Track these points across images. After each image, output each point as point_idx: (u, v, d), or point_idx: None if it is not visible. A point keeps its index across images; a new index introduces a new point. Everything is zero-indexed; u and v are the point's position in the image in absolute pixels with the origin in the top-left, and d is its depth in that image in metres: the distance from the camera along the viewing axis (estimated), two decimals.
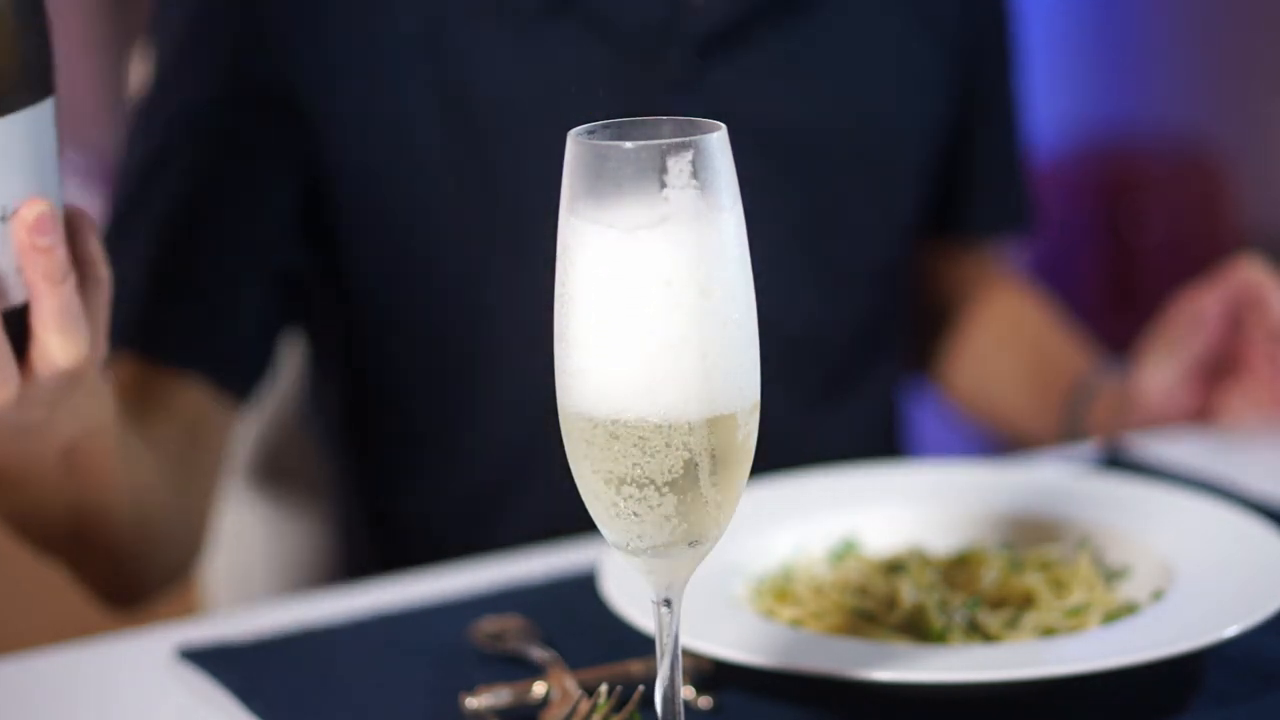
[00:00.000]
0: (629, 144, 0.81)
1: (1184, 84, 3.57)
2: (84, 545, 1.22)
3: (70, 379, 1.01)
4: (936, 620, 1.05)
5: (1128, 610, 1.07)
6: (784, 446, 1.43)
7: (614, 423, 0.82)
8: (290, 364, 1.54)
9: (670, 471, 0.82)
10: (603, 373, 0.82)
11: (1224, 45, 3.51)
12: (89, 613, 1.38)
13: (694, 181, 0.81)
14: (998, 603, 1.08)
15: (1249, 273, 1.40)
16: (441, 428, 1.45)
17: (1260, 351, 1.40)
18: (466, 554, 1.38)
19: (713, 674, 1.02)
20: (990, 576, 1.10)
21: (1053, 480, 1.24)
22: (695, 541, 0.85)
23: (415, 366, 1.43)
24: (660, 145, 0.81)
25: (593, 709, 0.96)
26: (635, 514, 0.83)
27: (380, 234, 1.39)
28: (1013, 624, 1.05)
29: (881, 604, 1.07)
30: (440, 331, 1.42)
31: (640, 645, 1.03)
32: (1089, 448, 1.40)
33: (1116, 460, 1.35)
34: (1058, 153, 3.46)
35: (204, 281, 1.37)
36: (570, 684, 1.00)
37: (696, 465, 0.82)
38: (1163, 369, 1.42)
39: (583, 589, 1.13)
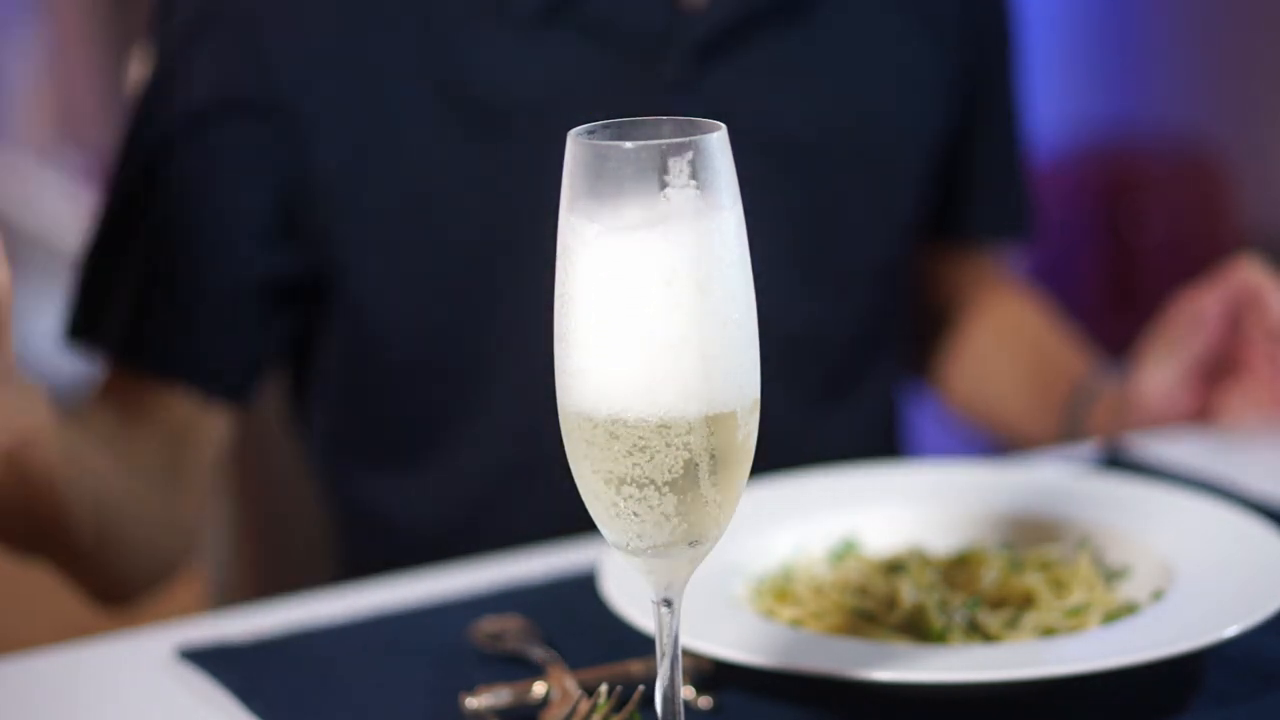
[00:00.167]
0: (629, 144, 0.81)
1: (1184, 84, 3.57)
2: (51, 549, 1.23)
3: None
4: (936, 620, 1.05)
5: (1128, 610, 1.07)
6: (784, 446, 1.43)
7: (614, 422, 0.82)
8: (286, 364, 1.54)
9: (670, 471, 0.82)
10: (603, 372, 0.82)
11: (1224, 45, 3.51)
12: (89, 613, 1.38)
13: (694, 181, 0.81)
14: (998, 603, 1.08)
15: (1248, 273, 1.40)
16: (441, 429, 1.45)
17: (1259, 351, 1.40)
18: (467, 554, 1.38)
19: (713, 674, 1.02)
20: (990, 576, 1.10)
21: (1053, 480, 1.24)
22: (695, 541, 0.85)
23: (415, 367, 1.43)
24: (660, 145, 0.81)
25: (593, 709, 0.96)
26: (635, 514, 0.84)
27: (378, 238, 1.39)
28: (1013, 624, 1.05)
29: (881, 604, 1.07)
30: (440, 332, 1.42)
31: (640, 645, 1.03)
32: (1089, 448, 1.40)
33: (1116, 460, 1.35)
34: (1058, 153, 3.46)
35: (188, 290, 1.37)
36: (570, 684, 1.00)
37: (696, 465, 0.82)
38: (1162, 370, 1.42)
39: (583, 589, 1.13)
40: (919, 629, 1.05)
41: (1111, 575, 1.11)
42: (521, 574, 1.20)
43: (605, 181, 0.81)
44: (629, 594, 1.05)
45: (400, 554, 1.45)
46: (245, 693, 1.04)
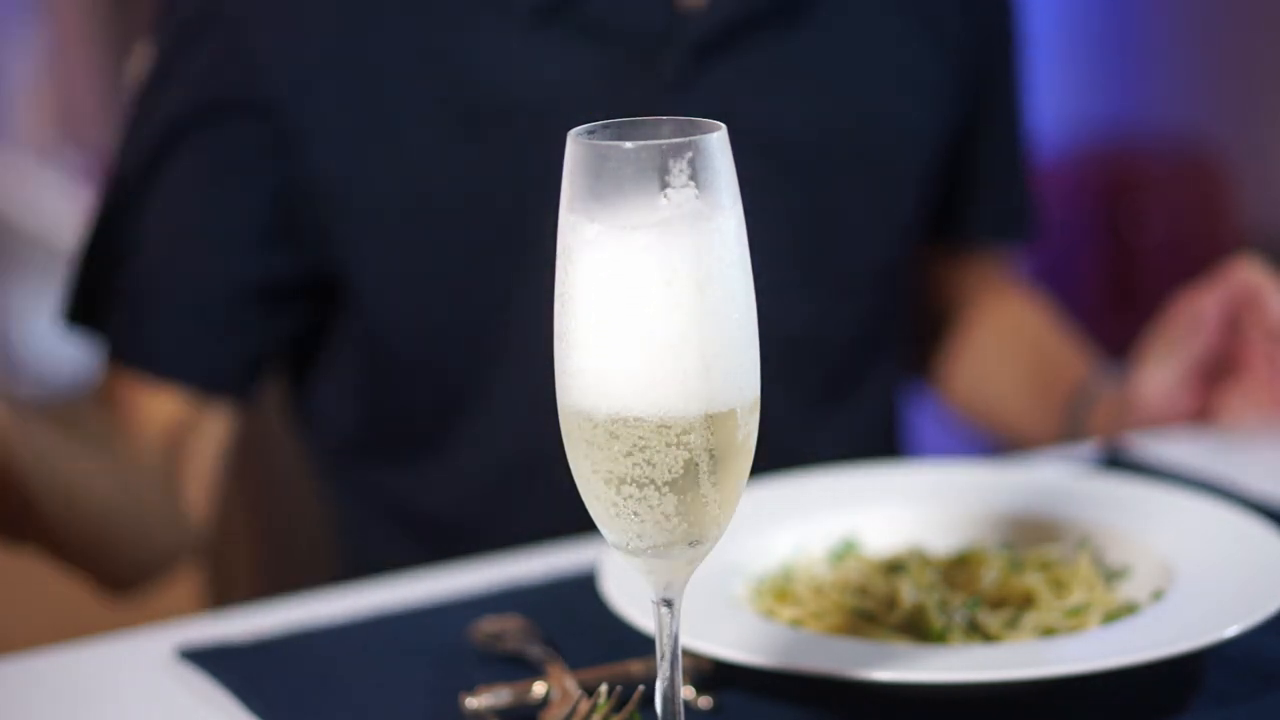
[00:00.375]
0: (629, 144, 0.81)
1: (1184, 84, 3.57)
2: (32, 538, 1.24)
3: None
4: (936, 620, 1.05)
5: (1128, 610, 1.07)
6: (784, 447, 1.43)
7: (614, 422, 0.82)
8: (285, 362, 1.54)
9: (670, 471, 0.82)
10: (603, 372, 0.82)
11: (1224, 45, 3.51)
12: (89, 613, 1.38)
13: (694, 181, 0.81)
14: (998, 603, 1.08)
15: (1247, 273, 1.40)
16: (443, 426, 1.45)
17: (1259, 351, 1.40)
18: (469, 550, 1.38)
19: (713, 674, 1.02)
20: (990, 576, 1.10)
21: (1053, 480, 1.24)
22: (695, 541, 0.85)
23: (418, 364, 1.43)
24: (660, 145, 0.81)
25: (593, 709, 0.96)
26: (635, 514, 0.84)
27: (378, 238, 1.39)
28: (1013, 624, 1.05)
29: (881, 604, 1.07)
30: (441, 331, 1.42)
31: (640, 645, 1.03)
32: (1089, 448, 1.40)
33: (1116, 460, 1.35)
34: (1058, 153, 3.46)
35: (185, 291, 1.38)
36: (570, 684, 1.00)
37: (696, 465, 0.82)
38: (1162, 370, 1.42)
39: (583, 589, 1.13)
40: (919, 629, 1.05)
41: (1111, 575, 1.11)
42: (521, 574, 1.20)
43: (605, 181, 0.81)
44: (629, 594, 1.05)
45: (405, 548, 1.45)
46: (245, 693, 1.04)
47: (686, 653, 1.02)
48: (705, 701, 1.01)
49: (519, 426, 1.43)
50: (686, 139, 0.81)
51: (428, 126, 1.37)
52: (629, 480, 0.83)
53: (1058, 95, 3.32)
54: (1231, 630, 0.99)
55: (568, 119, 0.89)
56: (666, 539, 0.84)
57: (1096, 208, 3.49)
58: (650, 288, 0.81)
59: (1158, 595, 1.07)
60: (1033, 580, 1.09)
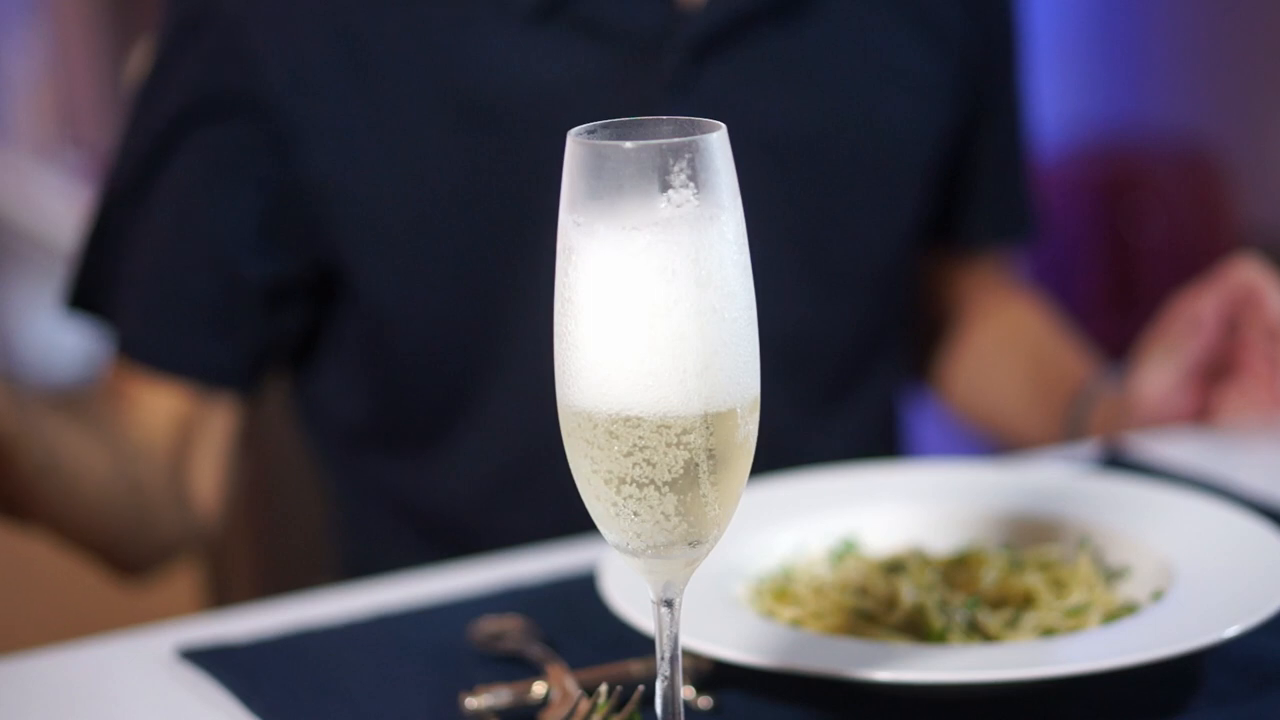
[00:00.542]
0: (629, 144, 0.81)
1: (1184, 84, 3.57)
2: (44, 525, 1.27)
3: None
4: (936, 620, 1.05)
5: (1128, 610, 1.07)
6: (784, 448, 1.43)
7: (614, 422, 0.82)
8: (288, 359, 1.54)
9: (670, 471, 0.82)
10: (602, 372, 0.82)
11: (1224, 45, 3.51)
12: (89, 613, 1.38)
13: (694, 181, 0.81)
14: (998, 603, 1.08)
15: (1245, 273, 1.40)
16: (444, 425, 1.45)
17: (1258, 351, 1.40)
18: (467, 551, 1.38)
19: (713, 674, 1.02)
20: (990, 576, 1.10)
21: (1053, 480, 1.24)
22: (695, 541, 0.85)
23: (420, 360, 1.43)
24: (660, 145, 0.81)
25: (593, 709, 0.96)
26: (635, 514, 0.84)
27: (377, 236, 1.39)
28: (1013, 624, 1.05)
29: (881, 604, 1.07)
30: (441, 328, 1.42)
31: (640, 645, 1.03)
32: (1089, 448, 1.40)
33: (1116, 460, 1.35)
34: (1058, 153, 3.46)
35: (184, 288, 1.38)
36: (570, 684, 1.00)
37: (696, 464, 0.82)
38: (1161, 371, 1.42)
39: (583, 589, 1.13)
40: (919, 629, 1.05)
41: (1111, 575, 1.11)
42: (521, 574, 1.20)
43: (605, 181, 0.81)
44: (629, 594, 1.05)
45: (405, 545, 1.46)
46: (245, 693, 1.04)
47: (686, 653, 1.02)
48: (705, 701, 1.01)
49: (519, 425, 1.43)
50: (686, 139, 0.81)
51: (426, 124, 1.37)
52: (629, 480, 0.83)
53: (1058, 95, 3.32)
54: (1231, 630, 0.99)
55: (567, 117, 0.89)
56: (666, 539, 0.84)
57: (1096, 208, 3.49)
58: (650, 288, 0.81)
59: (1158, 595, 1.07)
60: (1033, 580, 1.09)
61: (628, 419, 0.82)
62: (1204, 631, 0.99)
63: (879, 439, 1.56)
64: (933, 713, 1.00)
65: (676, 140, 0.81)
